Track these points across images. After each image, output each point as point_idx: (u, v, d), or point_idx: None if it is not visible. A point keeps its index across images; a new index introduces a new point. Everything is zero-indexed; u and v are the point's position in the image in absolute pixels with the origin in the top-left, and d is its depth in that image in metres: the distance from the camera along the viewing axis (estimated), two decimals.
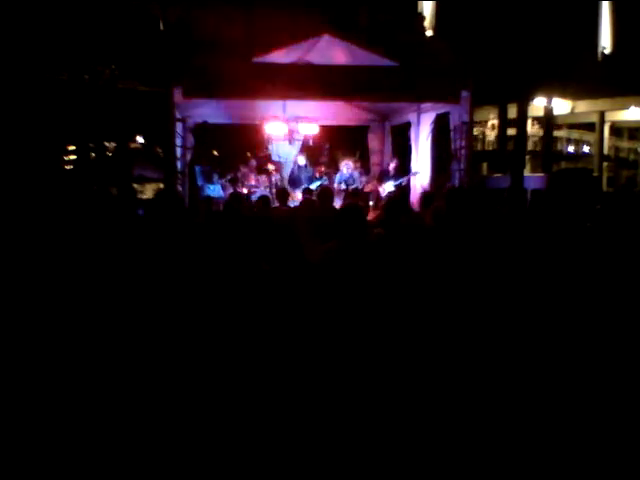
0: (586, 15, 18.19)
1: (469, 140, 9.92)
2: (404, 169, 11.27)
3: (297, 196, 10.39)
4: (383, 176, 11.16)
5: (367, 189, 11.30)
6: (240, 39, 11.03)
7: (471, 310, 3.27)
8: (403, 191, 10.84)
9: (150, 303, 3.20)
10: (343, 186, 11.05)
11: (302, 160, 11.62)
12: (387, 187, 10.84)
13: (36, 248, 3.76)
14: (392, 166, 11.13)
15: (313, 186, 10.57)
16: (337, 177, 11.41)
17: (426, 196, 7.06)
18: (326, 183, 10.98)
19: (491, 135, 19.93)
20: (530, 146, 20.90)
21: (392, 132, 12.76)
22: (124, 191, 4.97)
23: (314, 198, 8.17)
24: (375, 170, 12.34)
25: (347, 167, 11.44)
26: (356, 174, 11.39)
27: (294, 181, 11.37)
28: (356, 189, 10.89)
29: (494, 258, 4.13)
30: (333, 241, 4.16)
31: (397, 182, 10.84)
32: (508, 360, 3.21)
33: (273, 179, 11.43)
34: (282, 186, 10.69)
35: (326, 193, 7.09)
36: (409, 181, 11.19)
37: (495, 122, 17.17)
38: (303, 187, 10.43)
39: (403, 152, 11.85)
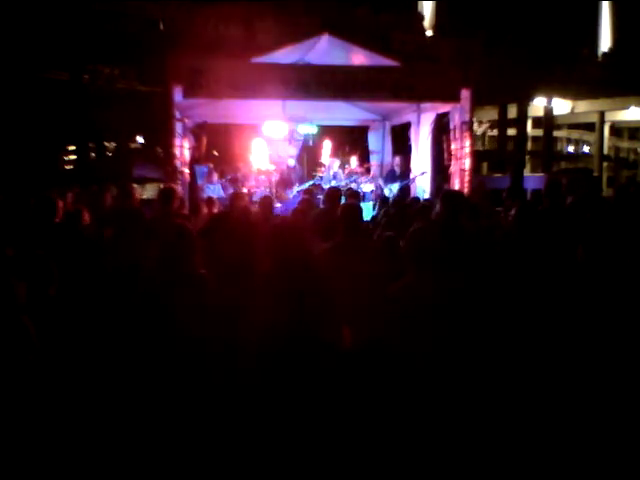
0: (586, 15, 18.21)
1: (471, 139, 9.90)
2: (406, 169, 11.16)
3: (288, 197, 10.25)
4: (389, 177, 11.00)
5: (367, 189, 11.23)
6: (240, 39, 11.01)
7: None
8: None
9: None
10: (327, 185, 10.85)
11: (292, 161, 11.53)
12: (393, 188, 10.62)
13: None
14: (396, 165, 10.99)
15: (303, 187, 10.50)
16: (325, 176, 11.35)
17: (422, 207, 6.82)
18: (319, 183, 10.92)
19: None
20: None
21: (392, 132, 12.74)
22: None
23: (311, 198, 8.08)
24: (375, 170, 12.28)
25: (335, 165, 11.38)
26: (340, 172, 11.30)
27: (284, 182, 11.13)
28: (355, 190, 10.79)
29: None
30: (334, 240, 4.15)
31: (403, 183, 10.68)
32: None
33: (273, 179, 11.37)
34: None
35: (332, 194, 7.01)
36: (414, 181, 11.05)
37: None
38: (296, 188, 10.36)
39: (403, 152, 11.80)
